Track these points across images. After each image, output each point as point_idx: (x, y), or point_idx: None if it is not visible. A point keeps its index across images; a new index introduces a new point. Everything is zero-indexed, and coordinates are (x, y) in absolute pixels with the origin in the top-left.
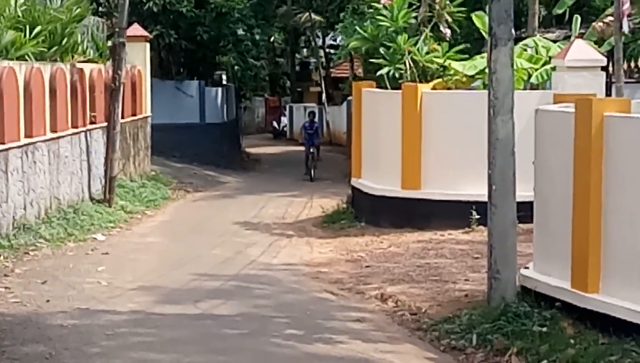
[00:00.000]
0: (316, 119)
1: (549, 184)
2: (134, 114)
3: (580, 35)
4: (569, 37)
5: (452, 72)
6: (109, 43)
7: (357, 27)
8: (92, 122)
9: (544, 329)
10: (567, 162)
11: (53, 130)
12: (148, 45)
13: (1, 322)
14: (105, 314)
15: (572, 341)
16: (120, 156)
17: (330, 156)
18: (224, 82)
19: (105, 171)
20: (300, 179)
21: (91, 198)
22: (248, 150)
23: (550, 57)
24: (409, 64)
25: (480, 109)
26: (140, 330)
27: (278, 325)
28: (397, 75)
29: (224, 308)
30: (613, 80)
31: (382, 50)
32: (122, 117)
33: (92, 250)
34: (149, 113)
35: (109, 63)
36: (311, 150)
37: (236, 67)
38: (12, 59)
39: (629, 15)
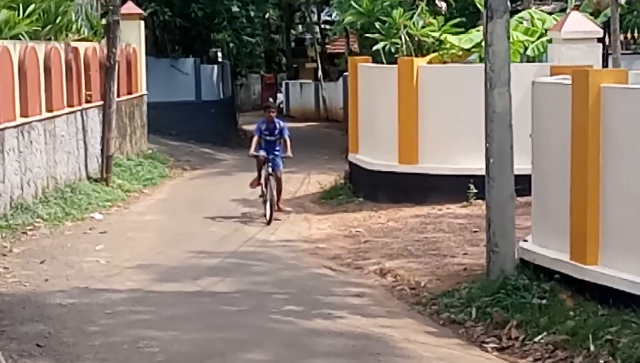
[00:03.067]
0: (280, 122)
1: (546, 157)
2: (129, 93)
3: (576, 7)
4: (565, 9)
5: (448, 45)
6: (103, 21)
7: (352, 2)
8: (87, 101)
9: (543, 301)
10: (565, 134)
11: (49, 110)
12: (142, 23)
13: (0, 302)
14: (104, 293)
15: (571, 313)
16: (116, 135)
17: (327, 132)
18: (220, 60)
19: (102, 150)
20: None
21: (88, 178)
22: (244, 127)
23: (546, 30)
24: (405, 39)
25: (477, 82)
26: (139, 308)
27: (277, 302)
28: (392, 49)
29: (223, 286)
30: (610, 51)
31: (377, 24)
32: (118, 96)
33: (90, 229)
34: (144, 91)
35: (103, 41)
36: (269, 170)
37: (231, 44)
38: (5, 38)
39: None
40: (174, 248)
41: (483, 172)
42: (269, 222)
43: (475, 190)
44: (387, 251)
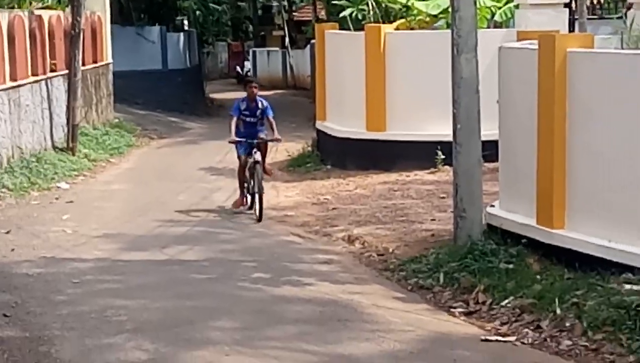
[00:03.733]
0: (263, 100)
1: (513, 122)
2: (95, 61)
3: None
4: None
5: (415, 12)
6: None
7: None
8: (52, 70)
9: (510, 266)
10: (531, 99)
11: (13, 79)
12: None
13: None
14: (71, 262)
15: (538, 277)
16: (82, 104)
17: (295, 100)
18: (186, 28)
19: (68, 119)
20: None
21: (54, 147)
22: (212, 95)
23: None
24: (372, 5)
25: (444, 48)
26: (106, 277)
27: (245, 269)
28: (360, 16)
29: (191, 254)
30: (576, 16)
31: None
32: (83, 64)
33: (56, 199)
34: (110, 60)
35: (67, 10)
36: (252, 158)
37: (197, 12)
38: None
39: None
40: (141, 217)
41: (451, 138)
42: (259, 219)
43: (442, 157)
44: (355, 218)
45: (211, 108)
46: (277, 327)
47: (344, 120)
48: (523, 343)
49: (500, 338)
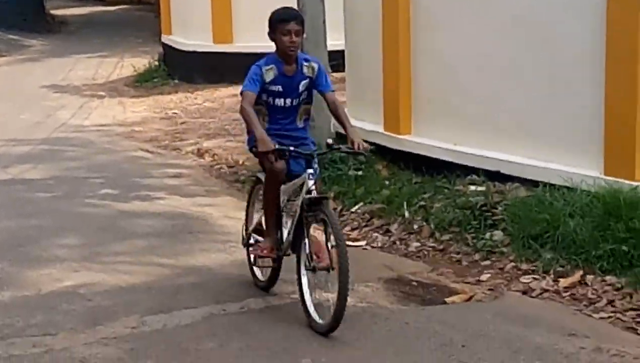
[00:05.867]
0: (311, 60)
1: (359, 31)
2: None
3: None
4: None
5: None
6: None
7: None
8: None
9: (359, 173)
10: (376, 6)
11: None
12: None
13: None
14: None
15: (386, 182)
16: None
17: (140, 15)
18: None
19: None
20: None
21: None
22: (53, 12)
23: None
24: None
25: None
26: None
27: (92, 186)
28: None
29: (35, 173)
30: None
31: None
32: None
33: None
34: None
35: None
36: (305, 189)
37: None
38: None
39: None
40: None
41: None
42: (333, 326)
43: None
44: (205, 131)
45: (53, 25)
46: (126, 242)
47: (190, 33)
48: (373, 247)
49: (350, 243)
